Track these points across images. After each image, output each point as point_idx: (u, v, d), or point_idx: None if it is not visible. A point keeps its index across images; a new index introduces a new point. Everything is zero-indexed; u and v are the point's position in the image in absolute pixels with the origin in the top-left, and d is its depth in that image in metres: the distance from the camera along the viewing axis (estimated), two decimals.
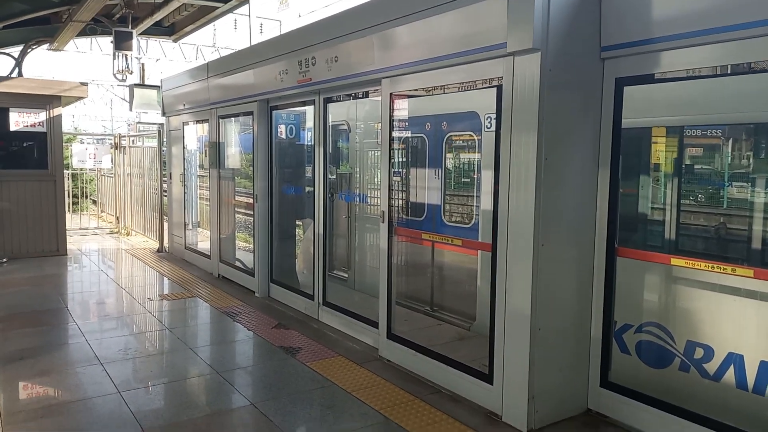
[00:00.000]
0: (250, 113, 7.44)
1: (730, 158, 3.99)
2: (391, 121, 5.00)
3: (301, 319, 6.43)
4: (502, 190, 3.95)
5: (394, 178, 5.08)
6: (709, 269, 3.57)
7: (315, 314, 6.40)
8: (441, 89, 4.64)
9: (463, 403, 4.28)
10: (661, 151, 4.26)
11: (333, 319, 6.12)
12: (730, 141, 4.00)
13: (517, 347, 3.91)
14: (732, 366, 3.55)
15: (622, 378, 4.02)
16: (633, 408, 3.91)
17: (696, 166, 4.16)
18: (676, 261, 3.80)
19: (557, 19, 3.69)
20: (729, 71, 3.45)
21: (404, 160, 5.43)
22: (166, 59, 27.87)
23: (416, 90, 4.88)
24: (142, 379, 4.79)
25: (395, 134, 5.04)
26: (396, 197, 5.14)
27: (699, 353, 3.70)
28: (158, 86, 10.87)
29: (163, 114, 10.59)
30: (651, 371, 3.93)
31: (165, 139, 10.71)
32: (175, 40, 12.67)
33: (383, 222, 5.08)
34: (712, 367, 3.64)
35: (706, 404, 3.62)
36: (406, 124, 5.22)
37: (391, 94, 4.96)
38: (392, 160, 5.05)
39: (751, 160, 3.85)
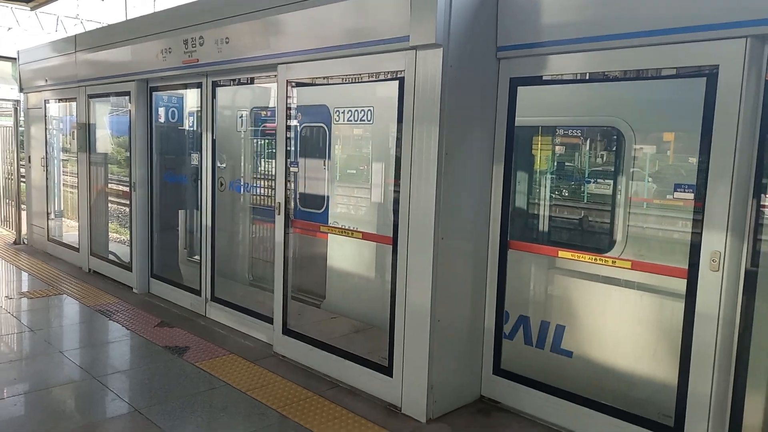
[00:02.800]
0: (127, 93, 6.85)
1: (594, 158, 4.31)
2: (288, 109, 4.83)
3: (186, 316, 6.06)
4: (403, 183, 3.96)
5: (292, 169, 4.92)
6: (592, 261, 3.85)
7: (202, 311, 6.07)
8: (341, 79, 4.55)
9: (362, 397, 4.26)
10: (543, 149, 4.50)
11: (222, 315, 5.83)
12: (595, 142, 4.32)
13: (417, 339, 3.95)
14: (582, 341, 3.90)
15: (510, 365, 4.23)
16: (519, 392, 4.12)
17: (566, 164, 4.45)
18: (563, 254, 4.04)
19: (458, 17, 3.74)
20: (588, 78, 3.76)
21: (297, 149, 5.26)
22: (19, 28, 24.93)
23: (314, 78, 4.75)
24: (3, 388, 4.25)
25: (291, 123, 4.88)
26: (291, 188, 4.98)
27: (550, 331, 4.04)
28: (14, 58, 9.70)
29: (21, 90, 9.48)
30: (529, 353, 4.17)
31: (23, 118, 9.59)
32: (32, 8, 11.39)
33: (279, 214, 4.91)
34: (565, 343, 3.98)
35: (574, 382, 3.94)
36: (303, 112, 5.06)
37: (287, 81, 4.79)
38: (288, 149, 4.89)
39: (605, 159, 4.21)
